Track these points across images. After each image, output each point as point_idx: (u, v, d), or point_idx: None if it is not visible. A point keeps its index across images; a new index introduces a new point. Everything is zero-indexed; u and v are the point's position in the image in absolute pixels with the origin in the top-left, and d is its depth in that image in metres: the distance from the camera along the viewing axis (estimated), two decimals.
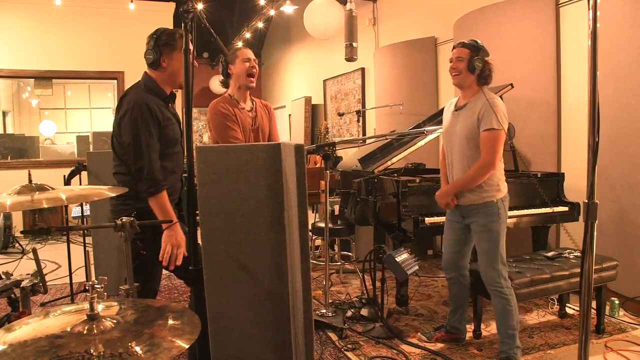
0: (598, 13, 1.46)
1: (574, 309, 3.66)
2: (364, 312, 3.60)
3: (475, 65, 2.76)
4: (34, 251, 1.45)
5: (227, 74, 3.04)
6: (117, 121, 2.33)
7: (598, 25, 1.40)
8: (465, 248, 3.04)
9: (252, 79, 3.01)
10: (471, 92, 2.84)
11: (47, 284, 4.74)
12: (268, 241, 1.67)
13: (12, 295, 1.60)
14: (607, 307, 3.48)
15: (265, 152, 1.66)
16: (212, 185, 1.70)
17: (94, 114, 11.07)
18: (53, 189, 1.47)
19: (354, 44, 3.80)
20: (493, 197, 2.78)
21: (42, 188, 1.43)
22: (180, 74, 2.42)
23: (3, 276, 1.59)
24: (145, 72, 2.46)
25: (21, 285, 1.55)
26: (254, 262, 1.71)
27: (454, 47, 2.88)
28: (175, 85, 2.47)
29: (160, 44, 2.37)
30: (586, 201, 1.48)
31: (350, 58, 3.92)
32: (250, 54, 3.02)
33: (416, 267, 3.26)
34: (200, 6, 1.81)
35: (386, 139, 4.11)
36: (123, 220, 1.50)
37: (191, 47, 1.56)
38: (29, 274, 1.63)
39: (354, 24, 3.80)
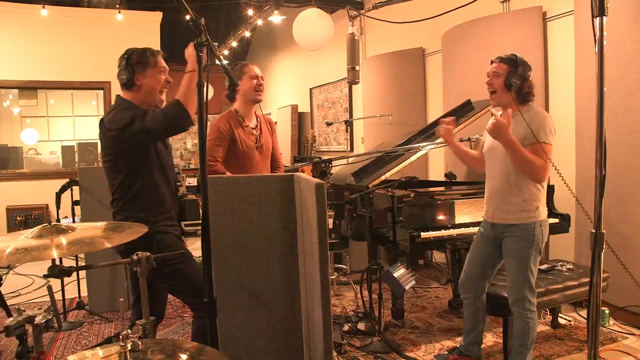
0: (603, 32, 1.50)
1: (566, 319, 3.73)
2: (361, 326, 3.62)
3: (512, 82, 2.60)
4: (49, 288, 1.44)
5: (233, 89, 3.07)
6: (104, 139, 2.35)
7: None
8: (490, 271, 2.91)
9: (259, 93, 3.08)
10: (511, 111, 2.64)
11: (38, 300, 4.68)
12: (281, 271, 1.69)
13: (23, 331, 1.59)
14: None
15: (277, 182, 1.68)
16: (223, 216, 1.71)
17: (78, 122, 10.93)
18: (72, 229, 1.46)
19: (357, 68, 3.83)
20: (530, 219, 2.65)
21: (62, 230, 1.42)
22: (155, 92, 2.44)
23: (14, 312, 1.58)
24: (118, 95, 2.46)
25: (35, 322, 1.53)
26: (266, 291, 1.72)
27: (491, 62, 2.73)
28: (151, 105, 2.45)
29: (132, 63, 2.38)
30: (593, 231, 1.52)
31: (352, 81, 3.94)
32: (257, 70, 3.09)
33: (413, 282, 3.29)
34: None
35: (379, 153, 4.15)
36: (139, 255, 1.50)
37: (204, 81, 1.57)
38: (40, 308, 1.61)
39: (357, 48, 3.83)
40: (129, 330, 1.05)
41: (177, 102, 2.23)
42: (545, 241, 2.74)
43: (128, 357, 1.03)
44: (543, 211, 2.71)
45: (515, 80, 2.60)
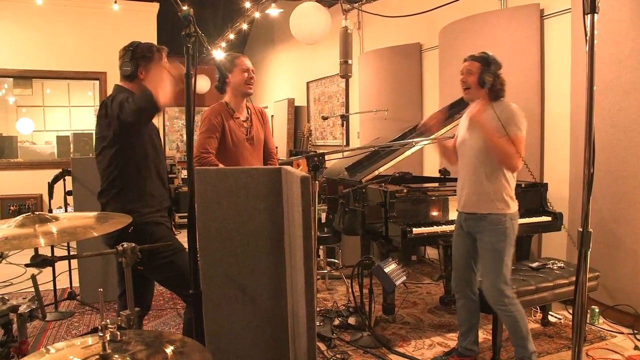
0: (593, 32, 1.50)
1: (556, 317, 3.74)
2: (352, 320, 3.63)
3: (485, 79, 2.70)
4: (33, 278, 1.43)
5: (223, 82, 3.06)
6: (104, 122, 2.32)
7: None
8: (476, 260, 2.91)
9: (250, 86, 3.08)
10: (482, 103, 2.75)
11: (30, 289, 4.66)
12: (267, 264, 1.68)
13: (8, 320, 1.58)
14: (588, 315, 3.57)
15: (265, 175, 1.67)
16: (211, 208, 1.71)
17: (74, 112, 10.89)
18: (56, 219, 1.45)
19: (349, 61, 3.80)
20: (501, 210, 2.71)
21: (45, 219, 1.41)
22: (156, 88, 2.42)
23: None
24: (117, 84, 2.45)
25: (18, 312, 1.53)
26: (253, 284, 1.72)
27: (464, 60, 2.81)
28: None
29: (137, 57, 2.39)
30: (580, 230, 1.52)
31: (344, 75, 3.91)
32: (248, 63, 3.09)
33: (404, 278, 3.29)
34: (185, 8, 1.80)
35: (373, 147, 4.14)
36: (124, 246, 1.49)
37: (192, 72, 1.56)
38: (25, 298, 1.61)
39: (349, 41, 3.80)
40: (108, 321, 1.05)
41: (147, 92, 2.14)
42: (517, 235, 2.79)
43: (107, 348, 1.03)
44: (513, 205, 2.77)
45: (488, 78, 2.72)
